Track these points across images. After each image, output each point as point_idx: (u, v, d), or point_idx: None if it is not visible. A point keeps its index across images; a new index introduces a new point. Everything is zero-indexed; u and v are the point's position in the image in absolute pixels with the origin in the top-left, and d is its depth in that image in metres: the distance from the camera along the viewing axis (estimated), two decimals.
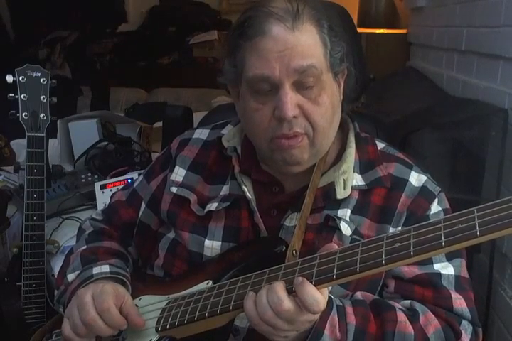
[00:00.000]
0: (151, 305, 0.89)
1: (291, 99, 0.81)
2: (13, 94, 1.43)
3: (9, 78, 1.43)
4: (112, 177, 1.80)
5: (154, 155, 2.07)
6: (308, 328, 0.75)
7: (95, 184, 1.71)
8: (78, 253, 1.02)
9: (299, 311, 0.70)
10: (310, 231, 0.88)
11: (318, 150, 0.88)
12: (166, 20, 4.33)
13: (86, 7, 4.37)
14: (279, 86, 0.81)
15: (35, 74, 1.45)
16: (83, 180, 1.86)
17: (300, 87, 0.82)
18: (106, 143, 2.01)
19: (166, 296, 0.88)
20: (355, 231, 0.87)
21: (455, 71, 1.86)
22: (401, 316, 0.82)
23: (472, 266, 1.48)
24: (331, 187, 0.89)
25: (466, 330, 0.85)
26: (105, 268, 0.93)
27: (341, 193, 0.88)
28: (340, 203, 0.89)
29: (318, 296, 0.69)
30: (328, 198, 0.89)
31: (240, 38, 0.83)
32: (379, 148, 0.95)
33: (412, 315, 0.83)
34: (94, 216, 1.13)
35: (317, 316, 0.73)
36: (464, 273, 0.90)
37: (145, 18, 4.49)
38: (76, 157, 2.01)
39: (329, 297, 0.76)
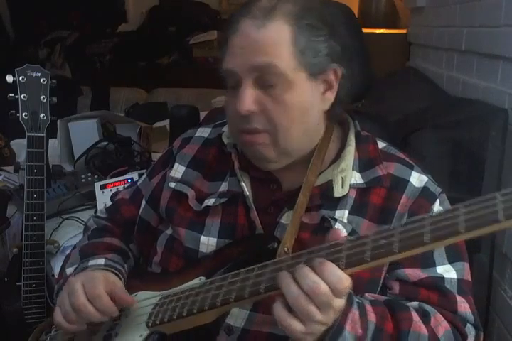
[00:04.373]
0: (145, 300, 0.90)
1: (248, 95, 0.82)
2: (13, 94, 1.43)
3: (9, 78, 1.43)
4: (112, 177, 1.80)
5: (154, 155, 2.07)
6: (331, 325, 0.73)
7: (95, 184, 1.71)
8: (78, 248, 1.03)
9: (332, 294, 0.67)
10: (306, 231, 0.87)
11: (286, 149, 0.87)
12: (166, 20, 4.33)
13: (86, 7, 4.38)
14: (241, 81, 0.83)
15: (35, 74, 1.45)
16: (83, 180, 1.86)
17: (262, 84, 0.83)
18: (106, 143, 2.01)
19: (160, 292, 0.89)
20: (351, 233, 0.86)
21: (455, 71, 1.86)
22: (415, 316, 0.81)
23: (472, 266, 1.48)
24: (328, 186, 0.88)
25: (470, 333, 0.85)
26: (100, 261, 0.95)
27: (339, 191, 0.88)
28: (338, 203, 0.88)
29: (340, 273, 0.67)
30: (326, 196, 0.88)
31: (223, 37, 0.87)
32: (380, 147, 0.94)
33: (424, 315, 0.83)
34: (98, 213, 1.15)
35: (343, 303, 0.71)
36: (467, 277, 0.90)
37: (145, 18, 4.49)
38: (76, 157, 2.01)
39: (349, 293, 0.74)
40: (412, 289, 0.86)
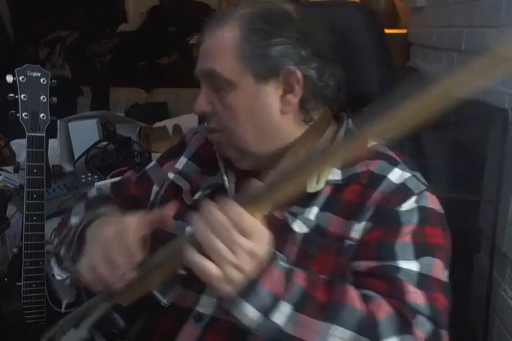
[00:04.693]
0: None
1: (201, 97, 0.90)
2: (13, 94, 1.43)
3: (9, 78, 1.43)
4: (112, 177, 1.80)
5: (154, 155, 2.07)
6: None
7: (95, 184, 1.71)
8: (82, 202, 1.04)
9: (236, 231, 0.67)
10: (272, 225, 0.88)
11: (243, 149, 0.90)
12: (166, 20, 4.34)
13: (86, 7, 4.38)
14: (200, 84, 0.91)
15: (35, 74, 1.45)
16: (83, 180, 1.86)
17: (213, 87, 0.89)
18: (106, 143, 2.01)
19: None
20: (315, 228, 0.86)
21: None
22: (352, 291, 0.76)
23: (472, 266, 1.47)
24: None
25: (422, 326, 0.76)
26: (113, 208, 0.94)
27: (312, 187, 0.87)
28: (310, 199, 0.88)
29: (240, 209, 0.67)
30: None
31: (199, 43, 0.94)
32: (369, 146, 0.91)
33: (364, 296, 0.77)
34: (101, 186, 1.16)
35: (260, 252, 0.70)
36: (437, 275, 0.82)
37: (145, 18, 4.50)
38: (76, 157, 2.01)
39: (273, 252, 0.73)
40: (361, 279, 0.81)
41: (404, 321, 0.75)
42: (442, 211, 0.89)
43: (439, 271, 0.83)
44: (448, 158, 1.42)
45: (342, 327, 0.72)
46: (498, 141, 1.35)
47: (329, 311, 0.73)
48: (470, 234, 1.47)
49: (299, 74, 0.87)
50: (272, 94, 0.88)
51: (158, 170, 1.08)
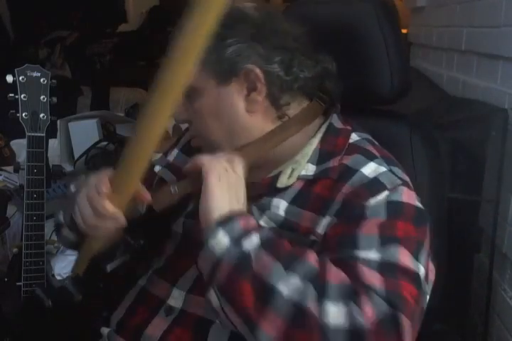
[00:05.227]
0: None
1: (179, 106, 0.86)
2: (13, 94, 1.43)
3: (9, 78, 1.43)
4: None
5: (154, 155, 2.07)
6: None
7: None
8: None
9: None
10: None
11: (222, 151, 0.89)
12: (166, 20, 4.34)
13: (86, 7, 4.38)
14: None
15: (35, 74, 1.45)
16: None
17: (186, 95, 0.85)
18: (106, 143, 2.01)
19: None
20: (283, 224, 0.86)
21: (455, 71, 1.86)
22: (312, 253, 0.76)
23: (472, 266, 1.48)
24: (276, 176, 0.89)
25: (375, 305, 0.70)
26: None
27: (282, 182, 0.88)
28: (280, 192, 0.88)
29: None
30: (271, 187, 0.89)
31: None
32: (351, 141, 0.91)
33: (325, 261, 0.75)
34: None
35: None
36: (403, 263, 0.76)
37: (145, 18, 4.51)
38: (76, 157, 2.01)
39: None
40: None
41: (356, 293, 0.71)
42: (420, 206, 0.85)
43: (407, 260, 0.77)
44: (448, 157, 1.42)
45: (292, 275, 0.72)
46: (498, 141, 1.35)
47: (286, 259, 0.74)
48: (470, 233, 1.47)
49: (258, 71, 0.85)
50: (235, 95, 0.87)
51: (165, 160, 1.10)
